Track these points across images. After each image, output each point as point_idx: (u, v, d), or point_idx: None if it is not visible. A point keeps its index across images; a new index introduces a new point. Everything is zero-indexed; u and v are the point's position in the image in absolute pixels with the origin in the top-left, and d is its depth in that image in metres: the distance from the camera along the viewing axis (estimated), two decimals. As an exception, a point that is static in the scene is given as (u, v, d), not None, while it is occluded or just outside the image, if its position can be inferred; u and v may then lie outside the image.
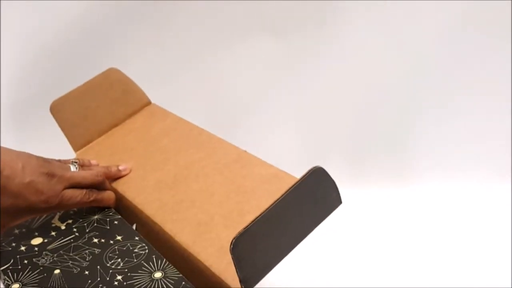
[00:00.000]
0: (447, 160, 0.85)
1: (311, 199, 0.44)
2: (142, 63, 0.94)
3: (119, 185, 0.60)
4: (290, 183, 0.42)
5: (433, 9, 0.84)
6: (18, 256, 0.51)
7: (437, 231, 0.75)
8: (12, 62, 0.87)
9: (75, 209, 0.58)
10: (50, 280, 0.47)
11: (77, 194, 0.54)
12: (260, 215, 0.40)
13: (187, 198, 0.55)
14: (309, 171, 0.43)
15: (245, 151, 0.59)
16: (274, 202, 0.41)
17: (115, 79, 0.71)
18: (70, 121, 0.69)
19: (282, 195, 0.41)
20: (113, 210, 0.58)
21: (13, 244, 0.53)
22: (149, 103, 0.73)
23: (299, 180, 0.42)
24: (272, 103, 0.89)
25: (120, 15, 0.91)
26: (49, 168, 0.52)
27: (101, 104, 0.71)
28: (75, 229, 0.55)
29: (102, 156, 0.66)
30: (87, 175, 0.56)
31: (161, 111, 0.71)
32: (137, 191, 0.58)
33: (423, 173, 0.83)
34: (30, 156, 0.52)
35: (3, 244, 0.53)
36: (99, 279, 0.47)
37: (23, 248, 0.53)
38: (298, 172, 0.45)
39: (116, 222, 0.56)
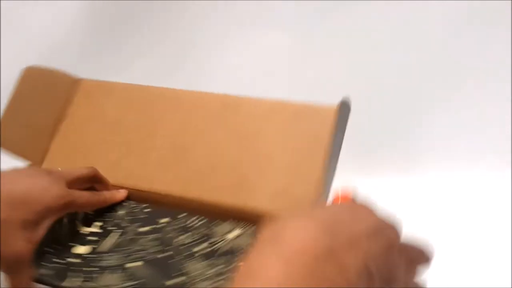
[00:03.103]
0: (451, 150, 0.85)
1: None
2: (144, 60, 0.90)
3: (124, 181, 0.58)
4: (292, 110, 0.47)
5: (438, 3, 0.83)
6: (71, 268, 0.50)
7: (441, 220, 0.75)
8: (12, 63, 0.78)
9: (92, 212, 0.56)
10: (141, 271, 0.48)
11: (84, 193, 0.53)
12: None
13: (203, 166, 0.56)
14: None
15: (226, 95, 0.59)
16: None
17: (34, 77, 0.64)
18: (17, 142, 0.62)
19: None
20: (133, 202, 0.57)
21: (57, 260, 0.51)
22: (79, 80, 0.67)
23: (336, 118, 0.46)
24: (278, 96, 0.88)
25: (121, 11, 0.89)
26: (42, 168, 0.50)
27: (36, 108, 0.64)
28: (113, 227, 0.55)
29: (73, 159, 0.62)
30: (82, 169, 0.55)
31: (98, 84, 0.66)
32: (147, 179, 0.57)
33: (427, 163, 0.83)
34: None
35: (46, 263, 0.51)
36: (183, 255, 0.49)
37: (72, 260, 0.51)
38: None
39: (147, 209, 0.56)
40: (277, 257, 0.29)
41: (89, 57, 0.91)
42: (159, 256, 0.50)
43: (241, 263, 0.31)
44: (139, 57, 0.91)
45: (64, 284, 0.49)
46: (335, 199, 0.52)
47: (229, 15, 0.88)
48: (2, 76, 0.87)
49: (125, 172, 0.59)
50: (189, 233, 0.52)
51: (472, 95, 0.85)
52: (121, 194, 0.57)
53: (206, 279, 0.47)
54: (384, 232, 0.31)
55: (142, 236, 0.53)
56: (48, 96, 0.65)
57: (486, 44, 0.83)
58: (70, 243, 0.53)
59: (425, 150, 0.84)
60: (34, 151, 0.63)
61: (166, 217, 0.55)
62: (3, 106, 0.59)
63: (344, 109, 0.51)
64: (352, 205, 0.34)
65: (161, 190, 0.57)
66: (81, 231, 0.55)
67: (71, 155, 0.64)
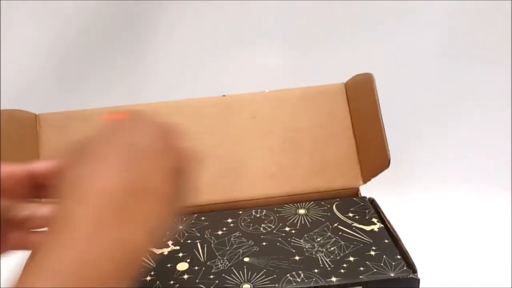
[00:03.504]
0: (447, 171, 0.86)
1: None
2: (142, 72, 0.84)
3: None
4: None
5: (436, 16, 0.84)
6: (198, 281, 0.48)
7: (436, 241, 0.75)
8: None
9: None
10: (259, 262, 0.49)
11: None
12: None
13: (244, 172, 0.59)
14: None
15: (224, 96, 0.62)
16: None
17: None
18: None
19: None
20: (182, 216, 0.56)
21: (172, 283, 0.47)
22: (35, 117, 0.58)
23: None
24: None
25: (121, 19, 0.83)
26: None
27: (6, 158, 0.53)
28: (189, 240, 0.53)
29: None
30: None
31: (67, 115, 0.59)
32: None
33: (422, 183, 0.84)
34: None
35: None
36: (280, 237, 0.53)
37: (185, 276, 0.48)
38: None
39: (204, 217, 0.56)
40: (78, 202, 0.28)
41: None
42: (263, 244, 0.52)
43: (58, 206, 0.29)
44: (137, 69, 0.83)
45: None
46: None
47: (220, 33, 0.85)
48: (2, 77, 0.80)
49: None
50: (264, 224, 0.55)
51: (469, 117, 0.86)
52: None
53: (320, 246, 0.52)
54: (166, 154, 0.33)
55: (223, 239, 0.53)
56: (20, 140, 0.55)
57: (483, 68, 0.85)
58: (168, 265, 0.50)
59: (420, 171, 0.85)
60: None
61: (226, 218, 0.56)
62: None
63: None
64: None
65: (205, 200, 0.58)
66: (161, 253, 0.51)
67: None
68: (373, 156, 0.57)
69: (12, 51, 0.79)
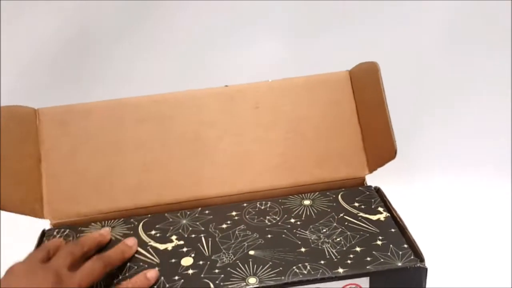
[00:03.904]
0: (449, 157, 0.86)
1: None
2: (143, 64, 0.84)
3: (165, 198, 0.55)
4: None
5: (436, 9, 0.83)
6: (204, 276, 0.47)
7: (439, 228, 0.75)
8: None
9: (159, 231, 0.53)
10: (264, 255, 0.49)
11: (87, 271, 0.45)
12: None
13: (248, 164, 0.58)
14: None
15: (227, 86, 0.60)
16: None
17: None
18: (12, 199, 0.50)
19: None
20: (184, 211, 0.56)
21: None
22: (35, 111, 0.57)
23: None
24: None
25: (120, 15, 0.82)
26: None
27: (16, 153, 0.53)
28: (193, 235, 0.52)
29: (77, 196, 0.54)
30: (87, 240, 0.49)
31: (67, 109, 0.58)
32: (182, 190, 0.56)
33: (426, 170, 0.84)
34: None
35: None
36: (285, 229, 0.52)
37: (190, 271, 0.48)
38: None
39: (208, 211, 0.56)
40: None
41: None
42: (268, 237, 0.51)
43: None
44: (137, 62, 0.82)
45: None
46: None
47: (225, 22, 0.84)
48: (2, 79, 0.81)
49: (163, 193, 0.56)
50: (269, 216, 0.55)
51: (470, 104, 0.87)
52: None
53: (326, 237, 0.51)
54: None
55: (228, 232, 0.52)
56: (21, 136, 0.54)
57: (485, 53, 0.85)
58: (172, 259, 0.49)
59: (423, 158, 0.86)
60: (30, 202, 0.52)
61: (230, 211, 0.56)
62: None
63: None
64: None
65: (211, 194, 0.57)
66: (165, 248, 0.51)
67: (72, 192, 0.55)
68: (379, 146, 0.56)
69: (12, 47, 0.79)
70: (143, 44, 0.83)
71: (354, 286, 0.47)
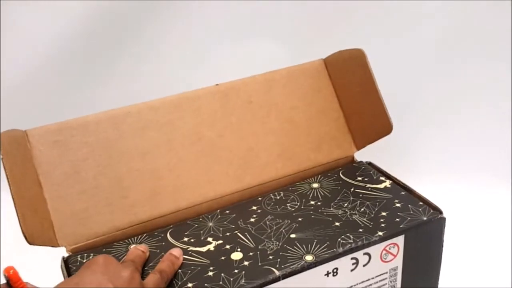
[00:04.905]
0: (447, 164, 0.86)
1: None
2: (143, 66, 0.86)
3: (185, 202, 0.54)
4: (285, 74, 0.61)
5: (435, 13, 0.82)
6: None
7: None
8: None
9: (187, 237, 0.51)
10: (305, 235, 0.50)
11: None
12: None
13: (252, 158, 0.59)
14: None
15: (218, 85, 0.61)
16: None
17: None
18: (34, 232, 0.46)
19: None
20: (205, 215, 0.55)
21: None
22: (24, 133, 0.52)
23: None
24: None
25: (120, 17, 0.84)
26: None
27: (17, 183, 0.48)
28: (227, 233, 0.52)
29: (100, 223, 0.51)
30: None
31: (61, 126, 0.54)
32: (198, 192, 0.56)
33: (423, 176, 0.81)
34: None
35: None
36: (310, 210, 0.54)
37: (246, 263, 0.48)
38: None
39: (226, 211, 0.56)
40: None
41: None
42: (300, 220, 0.53)
43: None
44: (136, 63, 0.80)
45: None
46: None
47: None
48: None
49: (180, 194, 0.54)
50: (289, 203, 0.56)
51: (469, 110, 0.87)
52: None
53: (351, 210, 0.54)
54: None
55: (260, 224, 0.53)
56: (22, 161, 0.48)
57: (484, 60, 0.86)
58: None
59: (420, 164, 0.86)
60: (46, 230, 0.47)
61: (250, 207, 0.56)
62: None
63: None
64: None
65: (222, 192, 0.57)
66: (207, 250, 0.50)
67: (82, 214, 0.51)
68: (370, 124, 0.61)
69: (12, 47, 0.77)
70: (138, 51, 0.82)
71: (393, 245, 0.51)
